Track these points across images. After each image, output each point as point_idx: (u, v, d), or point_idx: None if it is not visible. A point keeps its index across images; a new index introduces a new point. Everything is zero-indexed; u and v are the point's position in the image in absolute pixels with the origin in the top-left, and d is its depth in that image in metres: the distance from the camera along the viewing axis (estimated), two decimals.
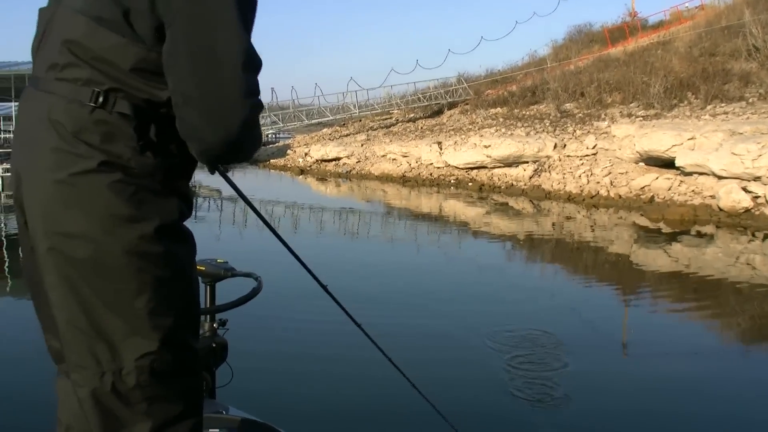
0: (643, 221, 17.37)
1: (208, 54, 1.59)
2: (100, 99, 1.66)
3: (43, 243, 1.67)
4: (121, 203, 1.64)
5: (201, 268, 2.61)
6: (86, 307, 1.66)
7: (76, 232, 1.64)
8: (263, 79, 1.67)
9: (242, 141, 1.67)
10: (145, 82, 1.68)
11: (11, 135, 41.53)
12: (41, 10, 1.84)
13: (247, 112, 1.63)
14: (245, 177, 35.44)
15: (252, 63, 1.63)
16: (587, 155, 23.79)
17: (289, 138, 52.45)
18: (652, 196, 19.60)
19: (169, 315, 1.71)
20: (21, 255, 1.87)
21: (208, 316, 2.71)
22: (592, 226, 17.45)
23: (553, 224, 17.89)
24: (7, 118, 40.21)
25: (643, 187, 20.24)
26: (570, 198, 21.24)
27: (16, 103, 31.04)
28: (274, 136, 58.77)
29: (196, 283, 1.86)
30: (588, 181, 21.82)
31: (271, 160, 40.53)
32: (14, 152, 1.81)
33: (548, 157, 24.64)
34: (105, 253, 1.64)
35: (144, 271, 1.67)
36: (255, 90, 1.64)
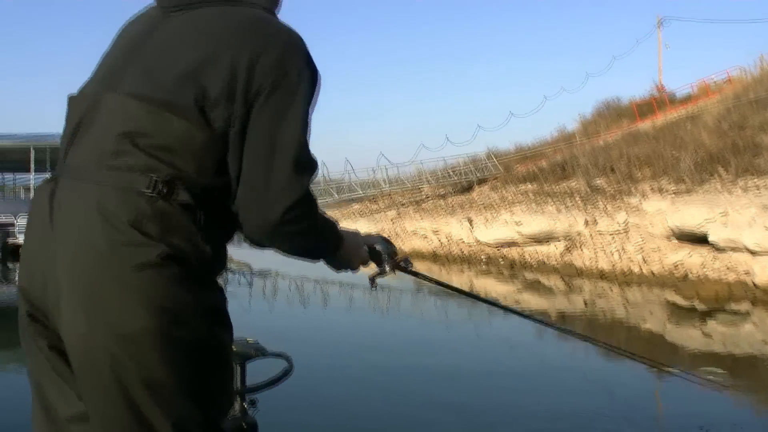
0: (677, 298, 17.16)
1: (270, 147, 1.66)
2: (161, 188, 1.60)
3: (86, 342, 1.58)
4: (182, 297, 1.60)
5: (232, 347, 2.64)
6: (133, 404, 1.58)
7: (132, 330, 1.55)
8: None
9: (279, 233, 1.70)
10: (206, 170, 1.66)
11: None
12: (74, 98, 1.80)
13: (288, 205, 1.66)
14: (274, 252, 35.64)
15: (306, 164, 1.72)
16: (619, 231, 23.64)
17: None
18: (686, 273, 19.38)
19: (208, 398, 1.68)
20: (27, 355, 1.74)
21: (238, 396, 2.66)
22: (624, 304, 17.25)
23: (585, 302, 17.71)
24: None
25: (676, 264, 20.03)
26: (602, 275, 21.04)
27: (34, 174, 31.51)
28: None
29: (231, 365, 1.87)
30: (620, 258, 21.66)
31: None
32: (36, 248, 1.68)
33: (579, 233, 24.52)
34: (161, 348, 1.57)
35: (196, 362, 1.63)
36: (305, 194, 1.70)
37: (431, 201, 40.01)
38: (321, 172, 35.09)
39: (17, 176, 52.77)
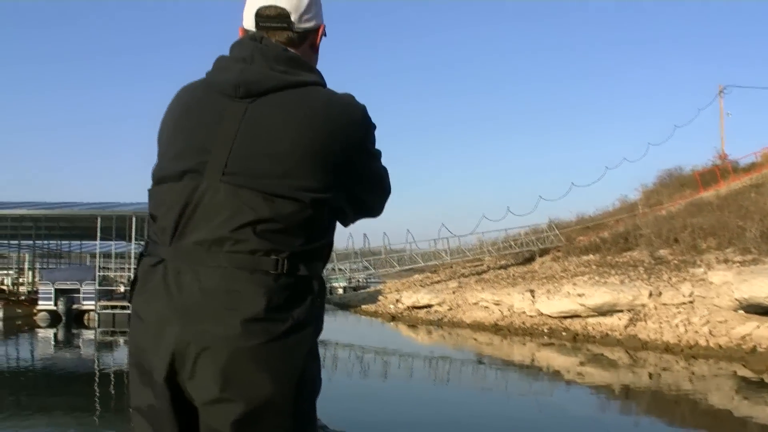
0: (746, 372, 16.76)
1: (382, 194, 2.10)
2: (283, 266, 1.75)
3: (223, 416, 1.73)
4: (308, 364, 1.78)
5: None
6: None
7: (266, 399, 1.72)
8: (359, 225, 2.16)
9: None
10: (316, 239, 1.84)
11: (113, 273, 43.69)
12: (168, 186, 1.88)
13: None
14: (335, 321, 35.89)
15: (389, 191, 2.12)
16: (684, 303, 23.20)
17: (381, 284, 52.98)
18: (754, 346, 18.91)
19: None
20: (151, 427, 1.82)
21: None
22: (690, 377, 16.90)
23: (650, 375, 17.40)
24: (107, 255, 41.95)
25: (744, 336, 19.56)
26: (667, 348, 20.61)
27: (100, 242, 32.12)
28: (365, 281, 59.58)
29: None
30: (686, 331, 21.22)
31: (362, 306, 40.96)
32: (155, 325, 1.77)
33: (643, 305, 24.10)
34: (288, 417, 1.77)
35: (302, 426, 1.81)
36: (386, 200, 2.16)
37: (492, 272, 39.87)
38: (382, 242, 35.37)
39: (83, 244, 54.39)
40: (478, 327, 28.95)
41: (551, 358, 21.01)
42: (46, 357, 21.85)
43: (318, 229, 1.84)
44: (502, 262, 42.57)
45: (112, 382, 16.18)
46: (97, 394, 14.74)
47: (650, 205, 38.90)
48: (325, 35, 2.09)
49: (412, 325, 32.07)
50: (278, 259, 1.75)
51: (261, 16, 1.95)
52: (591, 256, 34.17)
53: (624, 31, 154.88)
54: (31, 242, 45.44)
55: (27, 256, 49.44)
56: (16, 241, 46.21)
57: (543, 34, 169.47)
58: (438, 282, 40.39)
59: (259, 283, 1.73)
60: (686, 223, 30.76)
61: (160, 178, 1.92)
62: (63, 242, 53.04)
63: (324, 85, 1.96)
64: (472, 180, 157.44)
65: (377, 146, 2.02)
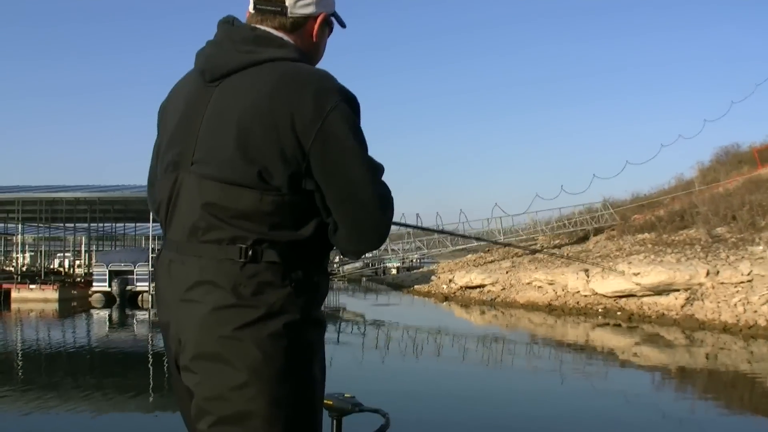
0: None
1: (348, 189, 1.80)
2: (249, 253, 1.76)
3: (201, 413, 1.78)
4: (280, 354, 1.75)
5: (328, 402, 2.64)
6: None
7: (235, 387, 1.73)
8: (409, 205, 2.04)
9: (384, 239, 1.91)
10: (286, 226, 1.79)
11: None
12: (156, 185, 1.98)
13: (388, 220, 1.86)
14: (389, 301, 36.09)
15: (385, 200, 1.85)
16: (742, 282, 22.81)
17: (434, 264, 53.02)
18: None
19: None
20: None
21: None
22: (749, 358, 16.68)
23: (707, 356, 17.21)
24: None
25: None
26: (725, 328, 20.31)
27: (152, 224, 32.80)
28: (418, 261, 59.64)
29: (320, 417, 1.92)
30: (744, 310, 20.88)
31: (415, 286, 41.11)
32: (167, 307, 1.89)
33: (700, 284, 23.75)
34: (259, 406, 1.74)
35: (289, 417, 1.78)
36: (387, 199, 1.86)
37: (546, 251, 39.58)
38: (435, 222, 35.37)
39: (138, 226, 55.73)
40: (531, 307, 28.87)
41: (606, 339, 20.90)
42: (101, 337, 22.46)
43: (290, 217, 1.80)
44: (556, 242, 42.29)
45: (165, 362, 16.51)
46: (151, 373, 15.14)
47: (707, 183, 38.20)
48: (329, 25, 2.05)
49: (465, 305, 32.10)
50: (243, 246, 1.77)
51: None
52: (646, 235, 33.74)
53: (680, 3, 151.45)
54: (86, 225, 46.48)
55: (83, 238, 50.61)
56: (71, 224, 47.27)
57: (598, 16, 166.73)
58: (491, 262, 40.29)
59: (225, 272, 1.77)
60: (744, 201, 30.17)
61: (154, 175, 2.03)
62: (118, 225, 54.18)
63: (295, 59, 1.87)
64: (525, 158, 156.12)
65: (359, 138, 1.82)
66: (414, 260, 57.62)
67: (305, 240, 1.82)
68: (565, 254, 35.62)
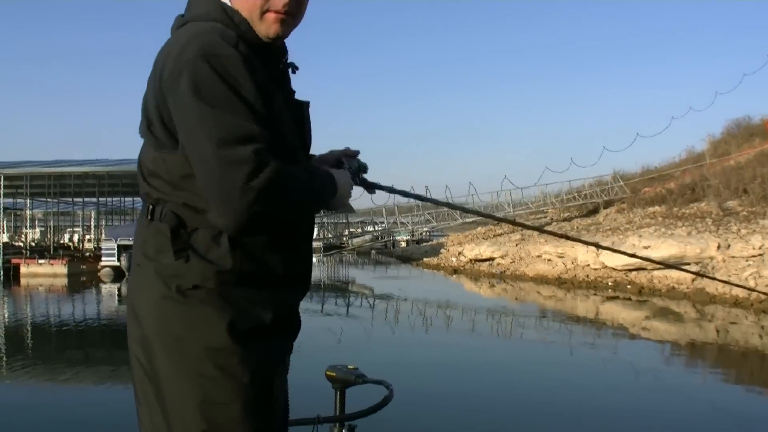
0: None
1: (198, 151, 1.65)
2: (152, 210, 1.80)
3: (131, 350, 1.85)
4: (168, 319, 1.74)
5: (331, 374, 2.66)
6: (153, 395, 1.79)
7: (137, 341, 1.81)
8: (420, 176, 1.76)
9: (259, 211, 1.64)
10: (185, 187, 1.75)
11: None
12: None
13: (239, 185, 1.60)
14: (399, 274, 36.09)
15: (230, 161, 1.61)
16: (754, 256, 22.65)
17: (443, 237, 53.02)
18: None
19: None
20: None
21: (337, 423, 2.67)
22: (760, 333, 16.57)
23: (718, 330, 17.11)
24: None
25: None
26: (736, 302, 20.18)
27: None
28: (427, 234, 59.66)
29: (249, 398, 1.76)
30: (756, 284, 20.72)
31: (425, 259, 41.13)
32: None
33: (711, 258, 23.62)
34: (157, 368, 1.75)
35: (198, 391, 1.73)
36: (237, 160, 1.60)
37: (556, 224, 39.51)
38: (444, 194, 35.30)
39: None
40: (541, 280, 28.82)
41: (616, 312, 20.81)
42: (110, 311, 22.54)
43: (188, 177, 1.72)
44: (566, 215, 42.15)
45: None
46: None
47: (718, 156, 37.91)
48: None
49: (474, 278, 32.07)
50: (149, 204, 1.82)
51: None
52: (657, 208, 33.59)
53: None
54: (95, 200, 46.54)
55: (92, 213, 50.75)
56: (80, 199, 47.41)
57: None
58: (500, 235, 40.20)
59: (140, 228, 1.86)
60: (756, 174, 29.93)
61: None
62: (127, 199, 54.26)
63: (210, 18, 1.79)
64: (535, 131, 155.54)
65: (233, 87, 1.66)
66: (423, 233, 57.68)
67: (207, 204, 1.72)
68: (567, 232, 35.45)
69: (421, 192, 40.14)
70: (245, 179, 1.59)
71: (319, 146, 2.08)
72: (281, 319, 1.85)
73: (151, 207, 1.80)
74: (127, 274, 33.21)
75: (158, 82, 1.72)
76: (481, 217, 44.07)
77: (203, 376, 1.72)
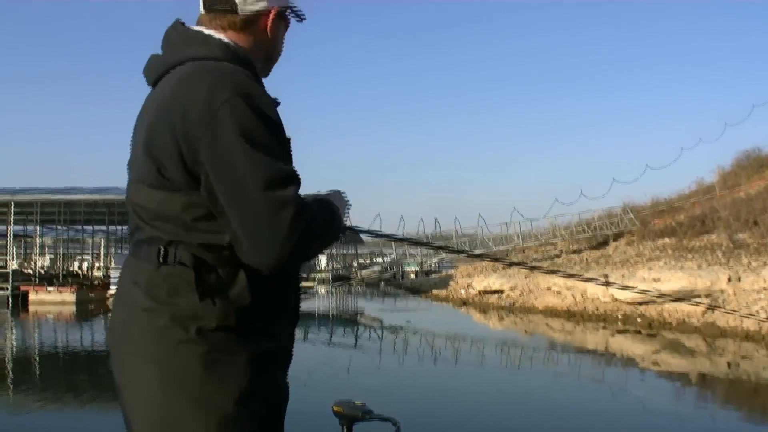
0: None
1: (243, 191, 1.64)
2: (162, 254, 1.74)
3: (127, 410, 1.78)
4: (188, 364, 1.69)
5: (338, 409, 2.63)
6: None
7: (144, 395, 1.72)
8: (429, 208, 1.80)
9: (300, 249, 1.68)
10: (199, 228, 1.73)
11: None
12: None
13: (287, 225, 1.63)
14: (407, 306, 35.96)
15: (281, 203, 1.64)
16: (765, 289, 22.44)
17: (452, 268, 52.88)
18: None
19: None
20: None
21: None
22: None
23: (729, 363, 16.95)
24: None
25: None
26: (748, 336, 19.94)
27: None
28: (436, 265, 59.53)
29: None
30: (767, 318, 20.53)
31: (433, 291, 41.00)
32: (113, 310, 1.90)
33: (722, 290, 23.41)
34: (172, 417, 1.69)
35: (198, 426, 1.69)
36: (285, 202, 1.64)
37: (565, 256, 39.39)
38: (453, 226, 35.21)
39: None
40: (550, 313, 28.64)
41: (625, 345, 20.66)
42: None
43: (202, 218, 1.73)
44: (575, 247, 42.01)
45: None
46: None
47: (728, 187, 37.79)
48: (284, 21, 2.00)
49: (483, 311, 31.92)
50: (159, 248, 1.76)
51: None
52: (666, 240, 33.43)
53: (700, 4, 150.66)
54: (105, 228, 46.63)
55: (102, 241, 50.83)
56: (90, 227, 47.44)
57: (617, 11, 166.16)
58: (510, 267, 40.04)
59: (144, 273, 1.77)
60: (766, 205, 29.79)
61: None
62: None
63: (218, 57, 1.80)
64: (544, 163, 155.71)
65: (270, 126, 1.71)
66: (432, 265, 57.55)
67: (225, 243, 1.73)
68: (576, 265, 35.29)
69: (430, 224, 40.03)
70: (292, 219, 1.63)
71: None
72: (287, 351, 1.89)
73: (162, 250, 1.75)
74: None
75: (181, 124, 1.67)
76: (489, 249, 44.01)
77: (227, 415, 1.70)
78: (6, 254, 41.59)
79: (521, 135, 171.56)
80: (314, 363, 15.49)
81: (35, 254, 47.98)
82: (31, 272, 42.88)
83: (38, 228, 46.29)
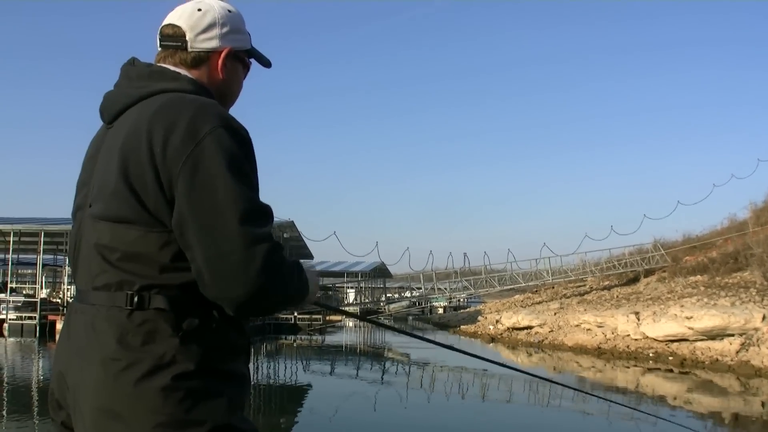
0: None
1: (220, 224, 1.59)
2: (135, 300, 1.65)
3: None
4: (171, 410, 1.61)
5: None
6: None
7: None
8: (459, 244, 1.66)
9: (270, 286, 1.62)
10: (175, 268, 1.67)
11: None
12: (71, 232, 1.89)
13: (259, 261, 1.59)
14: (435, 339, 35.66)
15: (258, 239, 1.60)
16: None
17: (480, 304, 52.59)
18: None
19: None
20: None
21: None
22: None
23: (763, 404, 16.58)
24: None
25: None
26: None
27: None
28: (465, 301, 59.21)
29: None
30: None
31: (462, 326, 40.69)
32: (62, 357, 1.78)
33: (756, 329, 22.98)
34: None
35: None
36: (260, 238, 1.60)
37: (595, 293, 39.00)
38: (482, 261, 35.10)
39: None
40: (580, 350, 28.28)
41: (657, 384, 20.30)
42: None
43: (179, 258, 1.66)
44: (606, 283, 41.60)
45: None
46: None
47: (761, 224, 37.29)
48: (242, 63, 1.98)
49: (512, 347, 31.60)
50: (129, 293, 1.66)
51: (161, 34, 1.90)
52: (698, 277, 33.01)
53: (734, 31, 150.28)
54: None
55: None
56: None
57: (651, 35, 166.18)
58: (539, 303, 39.77)
59: (112, 320, 1.66)
60: None
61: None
62: None
63: (190, 91, 1.79)
64: (575, 199, 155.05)
65: (249, 162, 1.69)
66: (461, 299, 57.25)
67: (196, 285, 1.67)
68: (606, 301, 34.85)
69: (459, 259, 39.87)
70: (267, 254, 1.60)
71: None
72: (248, 391, 1.83)
73: (133, 295, 1.66)
74: None
75: (162, 151, 1.63)
76: (518, 285, 43.74)
77: None
78: (35, 283, 41.94)
79: (553, 172, 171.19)
80: (342, 395, 15.39)
81: (64, 284, 48.42)
82: (59, 301, 43.23)
83: (67, 258, 46.55)
